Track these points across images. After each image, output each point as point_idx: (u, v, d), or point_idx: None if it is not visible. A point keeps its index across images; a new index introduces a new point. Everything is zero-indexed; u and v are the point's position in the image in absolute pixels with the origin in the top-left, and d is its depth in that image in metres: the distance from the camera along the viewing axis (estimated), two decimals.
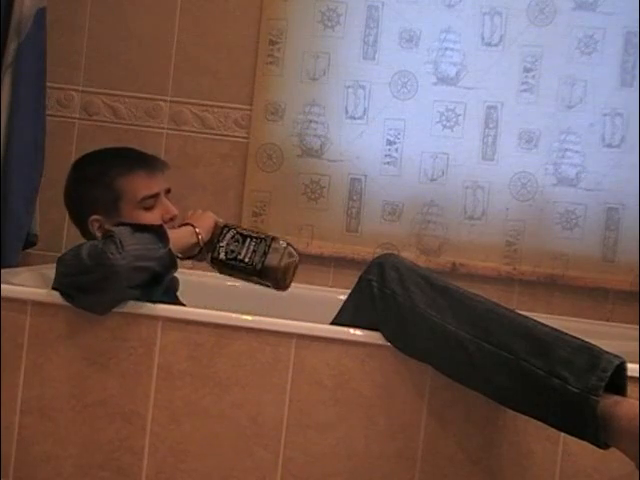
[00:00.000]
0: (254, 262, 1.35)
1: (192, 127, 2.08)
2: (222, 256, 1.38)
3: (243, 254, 1.36)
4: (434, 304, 1.19)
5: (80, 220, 1.47)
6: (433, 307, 1.19)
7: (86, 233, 1.46)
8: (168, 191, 1.48)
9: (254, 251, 1.36)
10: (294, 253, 1.38)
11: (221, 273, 1.42)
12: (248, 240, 1.37)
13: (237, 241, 1.38)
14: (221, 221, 1.43)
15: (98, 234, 1.42)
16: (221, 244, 1.38)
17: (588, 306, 1.98)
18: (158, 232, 1.28)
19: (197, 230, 1.38)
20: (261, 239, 1.37)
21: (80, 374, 1.28)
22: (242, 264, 1.36)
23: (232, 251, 1.37)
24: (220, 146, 2.07)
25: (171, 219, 1.45)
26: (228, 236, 1.38)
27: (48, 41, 1.88)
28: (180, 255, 1.34)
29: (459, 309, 1.18)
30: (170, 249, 1.28)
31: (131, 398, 1.28)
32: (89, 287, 1.24)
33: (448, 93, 2.01)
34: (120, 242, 1.21)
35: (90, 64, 2.10)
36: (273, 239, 1.37)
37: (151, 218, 1.41)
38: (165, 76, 2.08)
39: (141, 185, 1.43)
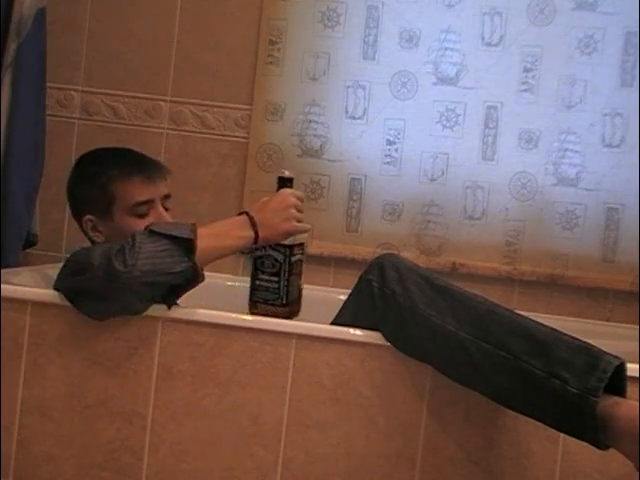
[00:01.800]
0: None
1: (192, 127, 2.08)
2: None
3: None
4: (434, 304, 1.19)
5: (76, 218, 1.46)
6: (433, 307, 1.19)
7: (83, 232, 1.46)
8: (167, 197, 1.44)
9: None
10: None
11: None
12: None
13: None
14: (303, 233, 1.35)
15: (91, 234, 1.42)
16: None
17: (588, 306, 1.98)
18: (185, 245, 1.20)
19: (258, 236, 1.28)
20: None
21: (80, 374, 1.28)
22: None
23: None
24: (220, 146, 2.07)
25: None
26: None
27: (48, 41, 1.88)
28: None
29: (459, 309, 1.18)
30: (195, 263, 1.20)
31: (131, 398, 1.28)
32: (91, 292, 1.22)
33: (448, 93, 2.01)
34: (132, 254, 1.16)
35: (90, 64, 2.10)
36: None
37: (141, 226, 1.31)
38: (165, 76, 2.08)
39: (135, 191, 1.39)
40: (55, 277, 1.33)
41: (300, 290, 1.39)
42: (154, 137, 2.07)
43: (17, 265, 1.76)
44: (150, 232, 1.21)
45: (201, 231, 1.23)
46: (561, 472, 1.23)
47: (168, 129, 2.08)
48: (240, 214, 1.31)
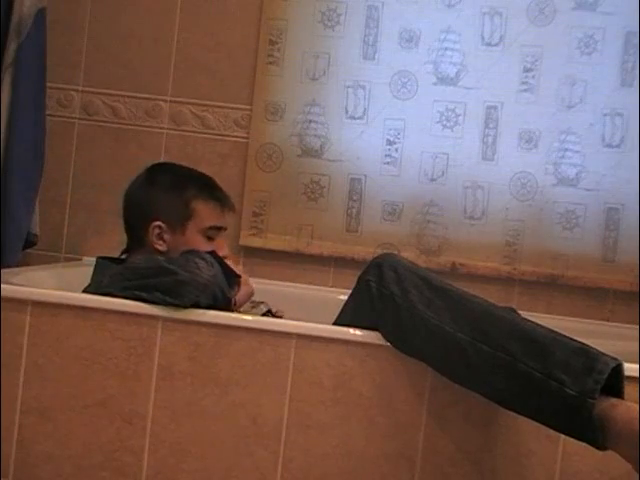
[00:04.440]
0: None
1: (192, 127, 2.08)
2: None
3: None
4: (432, 305, 1.19)
5: (138, 222, 1.47)
6: (431, 308, 1.19)
7: (137, 237, 1.48)
8: (225, 230, 1.53)
9: None
10: None
11: None
12: None
13: None
14: (261, 304, 1.49)
15: (155, 240, 1.44)
16: None
17: (588, 306, 1.98)
18: (236, 281, 1.38)
19: (234, 300, 1.41)
20: None
21: (80, 374, 1.29)
22: None
23: None
24: (220, 146, 2.07)
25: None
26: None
27: (48, 41, 1.88)
28: None
29: (457, 310, 1.18)
30: (232, 299, 1.36)
31: (131, 398, 1.28)
32: (166, 288, 1.27)
33: (448, 93, 2.01)
34: (212, 263, 1.30)
35: (90, 64, 2.10)
36: None
37: (207, 248, 1.43)
38: (165, 76, 2.08)
39: (214, 214, 1.48)
40: (92, 282, 1.42)
41: None
42: (154, 137, 2.08)
43: (17, 265, 1.76)
44: (215, 257, 1.35)
45: None
46: (561, 472, 1.23)
47: (168, 129, 2.08)
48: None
